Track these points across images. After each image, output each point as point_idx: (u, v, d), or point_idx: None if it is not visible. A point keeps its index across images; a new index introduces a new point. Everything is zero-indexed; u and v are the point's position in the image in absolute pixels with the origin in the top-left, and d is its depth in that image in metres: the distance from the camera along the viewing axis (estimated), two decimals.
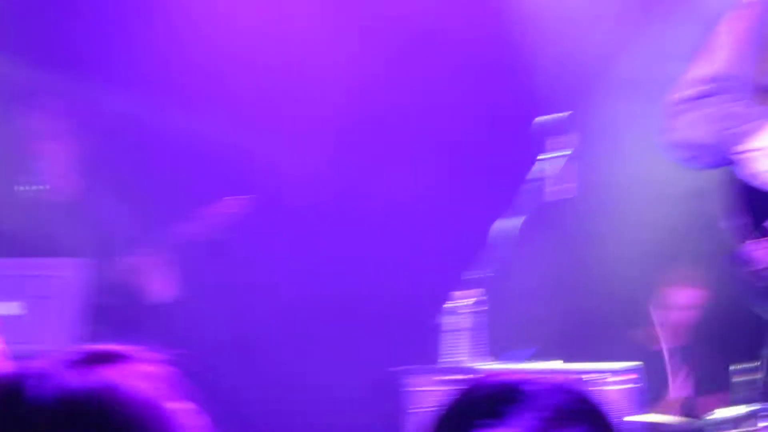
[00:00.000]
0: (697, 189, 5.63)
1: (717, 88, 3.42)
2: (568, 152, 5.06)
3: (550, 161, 5.04)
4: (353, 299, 6.41)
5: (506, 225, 4.92)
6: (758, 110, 3.35)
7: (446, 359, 4.68)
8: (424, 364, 4.63)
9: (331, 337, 6.27)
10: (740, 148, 3.29)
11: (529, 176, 5.04)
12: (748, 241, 3.20)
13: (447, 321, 4.71)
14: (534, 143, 5.09)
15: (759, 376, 3.42)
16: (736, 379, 5.03)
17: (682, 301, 6.23)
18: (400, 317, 6.21)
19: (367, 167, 6.55)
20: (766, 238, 3.17)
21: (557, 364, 4.65)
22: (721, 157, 3.35)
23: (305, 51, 6.42)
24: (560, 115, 5.14)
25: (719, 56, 3.46)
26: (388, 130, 6.61)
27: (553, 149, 5.08)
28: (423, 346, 4.92)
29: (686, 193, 6.08)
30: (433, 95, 6.58)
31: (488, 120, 6.54)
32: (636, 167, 6.56)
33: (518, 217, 4.95)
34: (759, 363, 3.49)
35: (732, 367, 5.09)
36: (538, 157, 5.05)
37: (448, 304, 4.76)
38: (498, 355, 4.79)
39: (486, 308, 4.75)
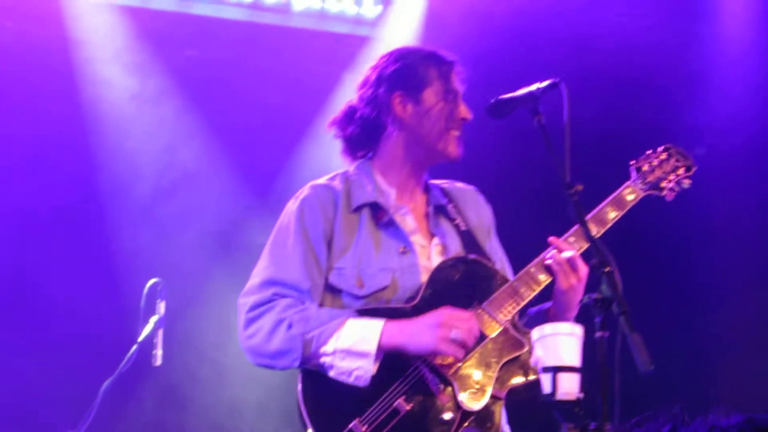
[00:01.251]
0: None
1: (284, 293, 3.45)
2: (157, 318, 5.11)
3: (150, 325, 5.07)
4: None
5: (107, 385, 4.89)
6: (327, 313, 3.41)
7: None
8: None
9: None
10: (318, 351, 3.34)
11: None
12: None
13: None
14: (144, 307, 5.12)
15: None
16: None
17: None
18: None
19: None
20: None
21: None
22: (296, 361, 3.36)
23: None
24: (157, 281, 5.20)
25: (285, 260, 3.52)
26: None
27: (151, 313, 5.12)
28: None
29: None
30: None
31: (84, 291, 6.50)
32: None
33: (115, 379, 4.93)
34: None
35: None
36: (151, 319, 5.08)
37: None
38: None
39: None
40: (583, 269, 3.52)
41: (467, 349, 3.34)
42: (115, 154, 6.82)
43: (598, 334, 3.04)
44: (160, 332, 4.98)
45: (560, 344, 3.17)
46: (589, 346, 3.12)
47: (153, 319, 5.05)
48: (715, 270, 7.41)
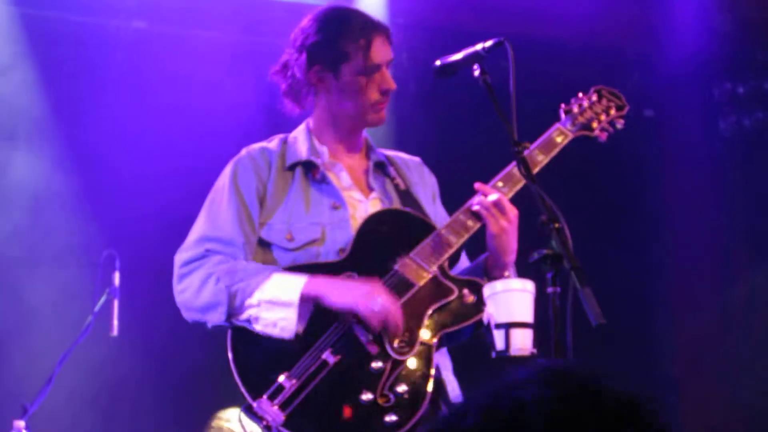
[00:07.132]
0: None
1: (218, 249, 3.46)
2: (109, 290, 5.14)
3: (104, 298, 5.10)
4: None
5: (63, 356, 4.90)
6: (254, 267, 3.42)
7: None
8: None
9: None
10: (243, 303, 3.35)
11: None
12: (260, 398, 3.24)
13: None
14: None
15: None
16: None
17: None
18: None
19: None
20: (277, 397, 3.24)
21: None
22: (224, 314, 3.36)
23: None
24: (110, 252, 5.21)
25: (219, 217, 3.53)
26: None
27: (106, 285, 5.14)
28: None
29: None
30: None
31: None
32: None
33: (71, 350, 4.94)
34: None
35: None
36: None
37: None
38: None
39: None
40: (513, 211, 3.49)
41: (383, 325, 3.30)
42: None
43: (550, 289, 3.07)
44: (116, 302, 5.05)
45: (512, 300, 3.19)
46: (542, 303, 3.15)
47: (107, 290, 5.11)
48: (664, 225, 7.56)
